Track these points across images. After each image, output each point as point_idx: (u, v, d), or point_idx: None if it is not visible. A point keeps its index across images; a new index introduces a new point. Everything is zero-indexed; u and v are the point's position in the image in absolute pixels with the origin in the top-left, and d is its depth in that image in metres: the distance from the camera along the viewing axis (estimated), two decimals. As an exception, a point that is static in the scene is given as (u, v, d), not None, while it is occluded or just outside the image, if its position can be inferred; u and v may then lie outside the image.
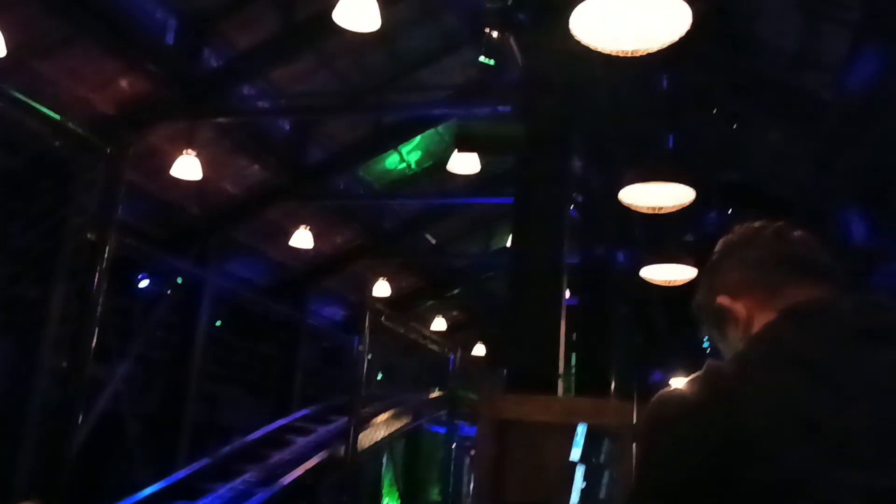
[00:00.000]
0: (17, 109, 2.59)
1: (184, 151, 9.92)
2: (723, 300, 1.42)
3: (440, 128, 12.99)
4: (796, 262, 1.41)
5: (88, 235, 2.76)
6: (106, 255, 2.74)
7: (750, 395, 1.20)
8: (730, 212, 9.97)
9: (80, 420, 2.73)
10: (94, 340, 2.76)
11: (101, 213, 2.78)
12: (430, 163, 14.05)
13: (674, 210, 6.70)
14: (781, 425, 1.16)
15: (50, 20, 8.75)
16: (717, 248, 1.50)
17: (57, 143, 2.57)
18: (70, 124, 2.62)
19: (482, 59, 7.08)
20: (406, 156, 13.95)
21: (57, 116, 2.61)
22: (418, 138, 13.39)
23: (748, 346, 1.34)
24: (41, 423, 2.59)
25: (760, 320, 1.37)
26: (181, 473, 10.30)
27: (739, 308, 1.40)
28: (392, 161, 14.03)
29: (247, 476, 10.04)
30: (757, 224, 1.48)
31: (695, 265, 7.85)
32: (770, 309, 1.36)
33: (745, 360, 1.30)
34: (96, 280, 2.74)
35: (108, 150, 2.78)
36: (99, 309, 2.74)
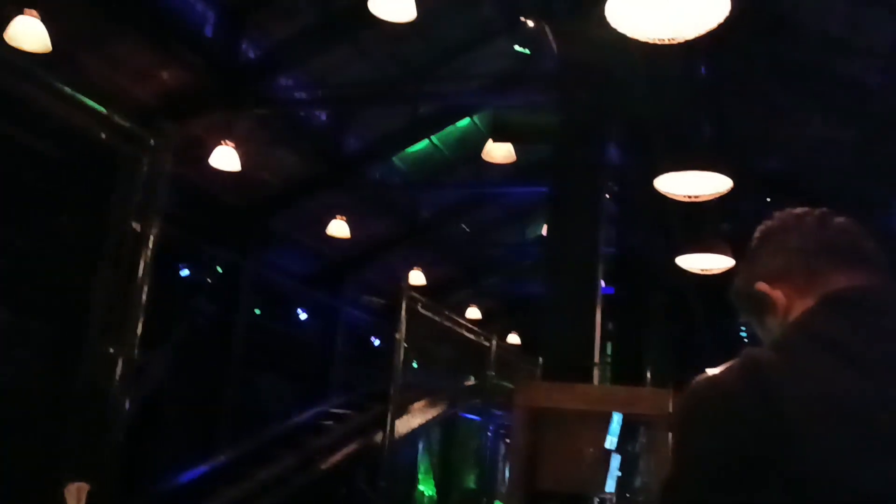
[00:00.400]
0: (64, 102, 2.67)
1: (222, 142, 10.06)
2: (762, 286, 1.41)
3: (476, 117, 12.98)
4: (838, 248, 1.39)
5: (133, 224, 2.83)
6: (150, 244, 2.82)
7: (787, 381, 1.20)
8: (768, 200, 9.83)
9: (126, 405, 2.81)
10: (140, 328, 2.84)
11: (145, 203, 2.85)
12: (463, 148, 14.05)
13: (710, 199, 6.64)
14: (819, 413, 1.16)
15: (91, 12, 8.92)
16: (757, 234, 1.49)
17: (103, 135, 2.64)
18: (115, 117, 2.69)
19: (518, 48, 7.08)
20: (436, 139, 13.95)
21: (103, 109, 2.69)
22: (453, 127, 13.40)
23: (786, 333, 1.34)
24: (87, 407, 2.69)
25: (799, 307, 1.36)
26: (221, 458, 10.49)
27: (778, 295, 1.39)
28: (424, 146, 14.05)
29: (285, 461, 10.19)
30: (798, 210, 1.46)
31: (732, 254, 7.77)
32: (809, 296, 1.36)
33: (783, 346, 1.30)
34: (141, 268, 2.82)
35: (152, 142, 2.86)
36: (144, 296, 2.81)
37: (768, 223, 1.49)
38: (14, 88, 2.58)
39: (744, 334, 12.35)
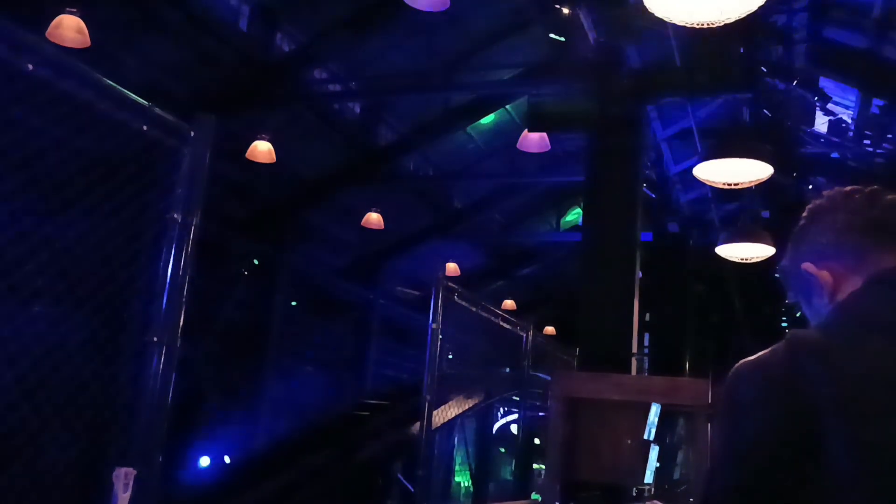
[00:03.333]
0: (105, 95, 2.71)
1: (258, 136, 10.13)
2: (808, 266, 1.38)
3: (510, 106, 12.92)
4: (886, 227, 1.35)
5: (175, 215, 2.86)
6: (192, 235, 2.85)
7: (835, 361, 1.18)
8: (810, 186, 9.65)
9: (170, 395, 2.85)
10: (182, 318, 2.88)
11: (186, 194, 2.88)
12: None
13: (750, 185, 6.53)
14: (868, 393, 1.14)
15: (127, 9, 9.04)
16: (805, 213, 1.45)
17: (144, 127, 2.67)
18: (157, 109, 2.73)
19: (552, 35, 7.02)
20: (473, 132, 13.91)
21: (145, 102, 2.72)
22: (489, 117, 13.36)
23: (833, 314, 1.31)
24: (132, 397, 2.74)
25: (847, 287, 1.33)
26: (259, 448, 10.62)
27: (825, 274, 1.36)
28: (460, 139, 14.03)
29: (322, 451, 10.28)
30: (847, 189, 1.42)
31: (772, 242, 7.64)
32: (857, 275, 1.32)
33: (830, 327, 1.28)
34: (183, 259, 2.85)
35: (192, 133, 2.88)
36: (186, 287, 2.85)
37: (816, 202, 1.45)
38: (54, 82, 2.61)
39: (785, 324, 12.17)
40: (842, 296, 1.33)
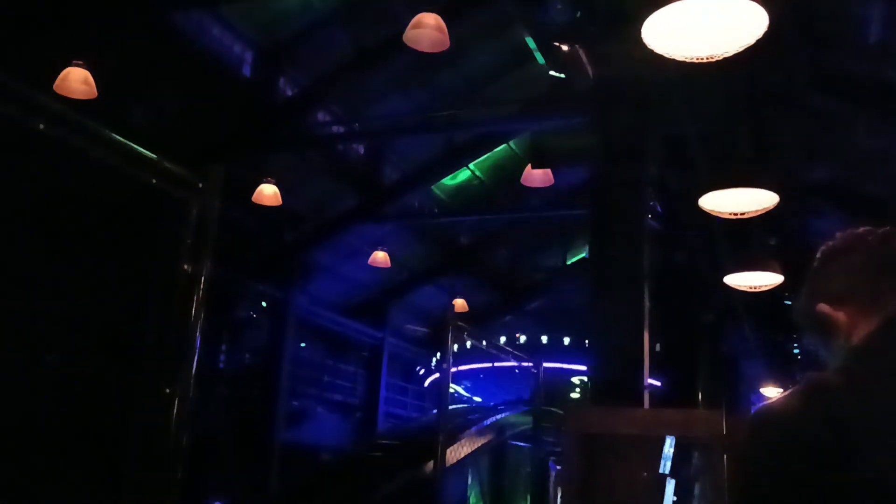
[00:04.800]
0: (115, 150, 2.75)
1: (264, 179, 10.21)
2: (823, 308, 1.39)
3: (512, 142, 13.02)
4: None
5: (185, 266, 2.89)
6: (203, 285, 2.87)
7: (854, 406, 1.19)
8: (817, 212, 9.64)
9: (184, 443, 2.85)
10: (195, 367, 2.89)
11: (196, 245, 2.91)
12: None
13: (756, 215, 6.52)
14: (888, 436, 1.14)
15: (134, 59, 9.18)
16: (819, 255, 1.46)
17: (154, 181, 2.72)
18: (166, 162, 2.77)
19: (552, 72, 7.07)
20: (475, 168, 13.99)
21: (153, 156, 2.76)
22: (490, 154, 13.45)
23: (850, 357, 1.32)
24: (146, 446, 2.74)
25: (863, 328, 1.34)
26: (274, 491, 10.52)
27: (841, 316, 1.37)
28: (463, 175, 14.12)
29: (336, 493, 10.19)
30: (860, 230, 1.44)
31: (780, 270, 7.61)
32: (873, 316, 1.33)
33: (848, 371, 1.28)
34: (194, 309, 2.87)
35: (201, 185, 2.92)
36: (198, 337, 2.87)
37: (829, 244, 1.46)
38: (66, 138, 2.66)
39: (797, 351, 12.08)
40: (857, 336, 1.34)
